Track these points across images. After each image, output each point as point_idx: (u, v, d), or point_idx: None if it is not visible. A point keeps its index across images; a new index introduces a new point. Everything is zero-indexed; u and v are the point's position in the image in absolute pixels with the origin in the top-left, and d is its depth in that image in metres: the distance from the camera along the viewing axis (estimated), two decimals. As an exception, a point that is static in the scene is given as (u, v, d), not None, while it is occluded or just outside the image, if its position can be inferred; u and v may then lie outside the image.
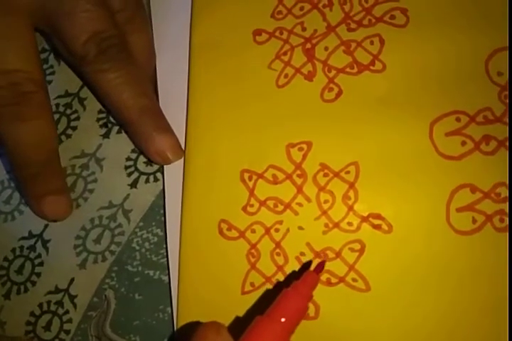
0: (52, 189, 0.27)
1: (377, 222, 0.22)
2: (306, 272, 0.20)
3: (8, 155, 0.27)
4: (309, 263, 0.22)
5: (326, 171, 0.23)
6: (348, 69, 0.25)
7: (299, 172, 0.24)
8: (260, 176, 0.24)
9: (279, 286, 0.23)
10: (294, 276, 0.22)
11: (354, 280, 0.22)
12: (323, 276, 0.22)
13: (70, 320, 0.26)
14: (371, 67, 0.24)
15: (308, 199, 0.23)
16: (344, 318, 0.22)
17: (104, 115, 0.28)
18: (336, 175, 0.23)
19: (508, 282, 0.20)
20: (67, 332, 0.25)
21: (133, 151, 0.27)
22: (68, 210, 0.27)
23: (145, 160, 0.27)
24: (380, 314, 0.22)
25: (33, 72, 0.26)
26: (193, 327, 0.23)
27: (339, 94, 0.24)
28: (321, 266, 0.20)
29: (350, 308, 0.22)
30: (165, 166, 0.26)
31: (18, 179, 0.27)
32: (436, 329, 0.21)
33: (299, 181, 0.24)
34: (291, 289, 0.19)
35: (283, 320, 0.18)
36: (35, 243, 0.27)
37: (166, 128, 0.26)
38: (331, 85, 0.25)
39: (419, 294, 0.21)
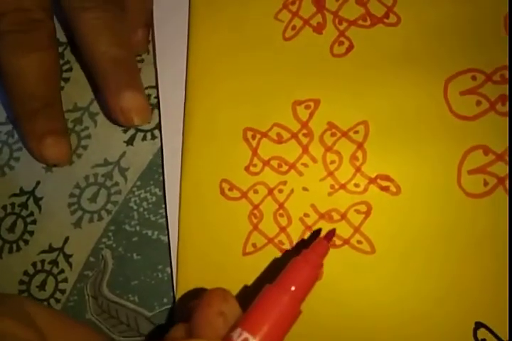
0: (52, 129, 0.25)
1: (385, 183, 0.22)
2: (316, 240, 0.19)
3: (6, 89, 0.25)
4: (318, 231, 0.22)
5: (333, 130, 0.22)
6: (360, 22, 0.23)
7: (305, 131, 0.23)
8: (264, 135, 0.23)
9: (283, 250, 0.22)
10: (302, 245, 0.22)
11: (359, 242, 0.22)
12: (327, 238, 0.22)
13: (65, 280, 0.25)
14: (385, 20, 0.23)
15: (314, 160, 0.22)
16: (347, 280, 0.22)
17: (97, 67, 0.27)
18: (344, 134, 0.22)
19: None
20: (63, 291, 0.25)
21: (129, 106, 0.26)
22: (69, 154, 0.25)
23: (141, 116, 0.26)
24: (383, 276, 0.21)
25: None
26: (194, 290, 0.23)
27: (350, 48, 0.23)
28: (331, 234, 0.20)
29: (354, 270, 0.22)
30: (163, 122, 0.25)
31: (17, 116, 0.25)
32: (440, 293, 0.21)
33: (304, 140, 0.23)
34: (300, 258, 0.19)
35: (293, 288, 0.18)
36: (27, 200, 0.26)
37: (137, 87, 0.24)
38: (342, 39, 0.23)
39: (426, 257, 0.21)
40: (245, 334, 0.17)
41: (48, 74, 0.25)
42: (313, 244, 0.19)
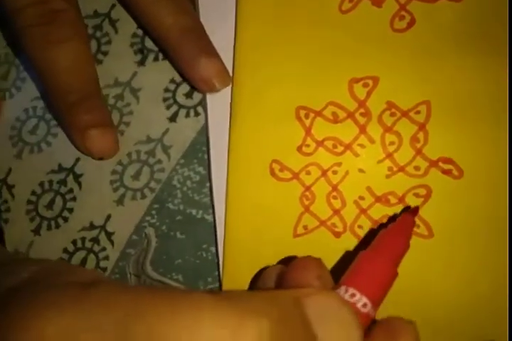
0: (96, 121, 0.24)
1: (447, 166, 0.21)
2: (402, 214, 0.19)
3: (42, 84, 0.24)
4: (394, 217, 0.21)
5: (393, 110, 0.21)
6: (423, -4, 0.22)
7: (362, 110, 0.22)
8: (318, 114, 0.22)
9: (336, 232, 0.22)
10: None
11: (417, 226, 0.21)
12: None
13: (106, 258, 0.24)
14: (449, -5, 0.22)
15: (372, 141, 0.22)
16: (403, 264, 0.21)
17: (138, 39, 0.25)
18: (405, 114, 0.21)
19: None
20: (104, 269, 0.24)
21: (171, 81, 0.25)
22: (115, 146, 0.24)
23: (185, 91, 0.25)
24: (441, 262, 0.21)
25: None
26: (241, 269, 0.22)
27: (411, 23, 0.22)
28: (415, 210, 0.20)
29: (411, 254, 0.21)
30: (208, 99, 0.24)
31: (58, 111, 0.25)
32: (500, 279, 0.20)
33: (362, 120, 0.22)
34: (392, 228, 0.19)
35: (389, 253, 0.18)
36: (66, 177, 0.25)
37: (211, 52, 0.23)
38: (403, 13, 0.22)
39: (485, 243, 0.20)
40: (351, 290, 0.17)
41: (79, 65, 0.24)
42: (399, 218, 0.19)
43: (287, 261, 0.22)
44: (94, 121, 0.24)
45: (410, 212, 0.20)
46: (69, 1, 0.23)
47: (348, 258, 0.21)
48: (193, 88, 0.24)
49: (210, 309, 0.13)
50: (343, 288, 0.17)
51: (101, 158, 0.25)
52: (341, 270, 0.18)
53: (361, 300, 0.17)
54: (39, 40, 0.23)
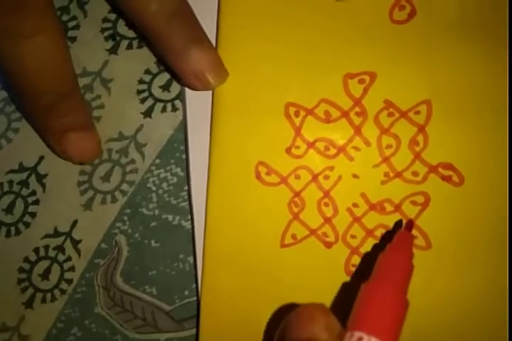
0: (75, 123, 0.21)
1: (447, 172, 0.19)
2: (398, 232, 0.18)
3: (12, 84, 0.21)
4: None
5: (391, 110, 0.20)
6: (425, -16, 0.20)
7: (357, 109, 0.20)
8: (310, 112, 0.20)
9: (327, 242, 0.20)
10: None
11: (414, 236, 0.19)
12: (378, 232, 0.20)
13: (72, 268, 0.22)
14: (454, -16, 0.20)
15: (368, 143, 0.20)
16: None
17: (110, 24, 0.23)
18: (403, 115, 0.20)
19: None
20: (69, 281, 0.22)
21: (147, 72, 0.23)
22: (97, 149, 0.22)
23: (161, 83, 0.22)
24: (440, 274, 0.19)
25: None
26: (222, 282, 0.20)
27: (412, 14, 0.20)
28: (410, 224, 0.18)
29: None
30: (186, 92, 0.22)
31: (30, 114, 0.22)
32: (502, 292, 0.19)
33: (357, 120, 0.20)
34: (390, 250, 0.17)
35: (397, 282, 0.17)
36: (28, 177, 0.23)
37: (203, 40, 0.21)
38: (403, 2, 0.20)
39: (487, 254, 0.19)
40: (358, 334, 0.15)
41: (52, 62, 0.21)
42: (396, 236, 0.18)
43: (271, 276, 0.20)
44: (73, 124, 0.21)
45: (406, 227, 0.18)
46: None
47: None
48: (173, 79, 0.22)
49: None
50: (348, 335, 0.16)
51: (81, 163, 0.22)
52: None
53: None
54: (2, 34, 0.20)
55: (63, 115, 0.21)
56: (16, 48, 0.20)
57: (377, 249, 0.19)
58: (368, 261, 0.19)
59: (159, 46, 0.21)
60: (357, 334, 0.15)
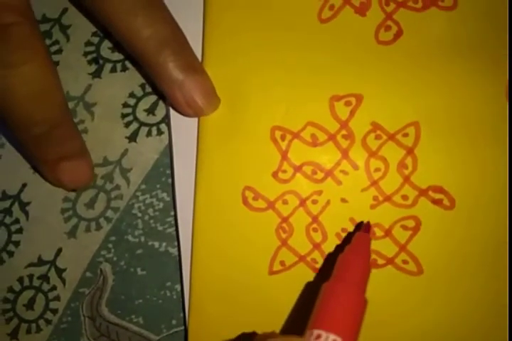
0: (68, 152, 0.21)
1: (437, 196, 0.19)
2: (356, 234, 0.18)
3: (1, 115, 0.20)
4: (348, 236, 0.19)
5: (378, 132, 0.19)
6: (410, 4, 0.20)
7: (344, 132, 0.19)
8: (296, 136, 0.20)
9: (316, 269, 0.19)
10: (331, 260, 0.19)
11: (405, 262, 0.19)
12: (368, 257, 0.19)
13: (57, 298, 0.22)
14: (439, 3, 0.19)
15: (355, 167, 0.19)
16: (391, 303, 0.19)
17: (93, 48, 0.23)
18: (391, 137, 0.19)
19: None
20: (54, 311, 0.22)
21: (131, 96, 0.22)
22: (90, 176, 0.21)
23: (146, 107, 0.22)
24: (431, 300, 0.19)
25: None
26: (210, 311, 0.20)
27: (398, 34, 0.20)
28: (367, 226, 0.18)
29: (399, 293, 0.19)
30: (172, 116, 0.21)
31: (22, 144, 0.21)
32: (496, 318, 0.18)
33: (344, 144, 0.19)
34: (348, 252, 0.17)
35: (355, 281, 0.17)
36: (11, 206, 0.22)
37: (196, 68, 0.20)
38: (389, 23, 0.20)
39: (480, 280, 0.19)
40: (316, 332, 0.16)
41: (43, 90, 0.20)
42: (354, 237, 0.18)
43: (260, 305, 0.19)
44: (66, 153, 0.21)
45: (364, 229, 0.18)
46: (22, 13, 0.20)
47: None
48: (159, 101, 0.21)
49: None
50: (308, 334, 0.16)
51: (74, 190, 0.22)
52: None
53: (328, 338, 0.15)
54: None
55: (56, 144, 0.21)
56: (3, 79, 0.19)
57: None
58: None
59: (151, 73, 0.20)
60: (316, 332, 0.15)
